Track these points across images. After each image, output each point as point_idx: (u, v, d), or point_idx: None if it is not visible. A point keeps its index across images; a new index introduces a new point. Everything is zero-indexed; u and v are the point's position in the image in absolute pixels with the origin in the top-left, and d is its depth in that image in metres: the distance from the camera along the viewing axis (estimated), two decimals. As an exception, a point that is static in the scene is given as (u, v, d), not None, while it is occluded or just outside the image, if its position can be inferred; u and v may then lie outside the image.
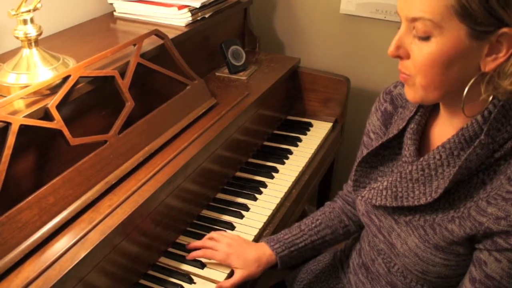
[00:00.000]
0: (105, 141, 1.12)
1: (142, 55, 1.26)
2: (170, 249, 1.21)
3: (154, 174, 1.14)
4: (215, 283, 1.11)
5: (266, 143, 1.66)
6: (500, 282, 0.81)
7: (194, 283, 1.11)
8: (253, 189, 1.42)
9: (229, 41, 1.67)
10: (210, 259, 1.16)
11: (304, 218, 1.19)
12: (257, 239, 1.26)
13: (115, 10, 1.61)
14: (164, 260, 1.18)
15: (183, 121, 1.31)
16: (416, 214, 0.89)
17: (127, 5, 1.58)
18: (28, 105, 1.03)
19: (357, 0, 1.83)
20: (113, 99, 1.18)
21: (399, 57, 0.80)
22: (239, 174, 1.50)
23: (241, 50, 1.68)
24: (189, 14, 1.51)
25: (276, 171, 1.51)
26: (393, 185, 0.90)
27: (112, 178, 1.10)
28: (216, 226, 1.28)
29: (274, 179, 1.48)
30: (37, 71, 1.10)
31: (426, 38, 0.75)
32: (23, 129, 0.97)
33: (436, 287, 0.94)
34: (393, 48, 0.80)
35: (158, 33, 1.33)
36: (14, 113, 0.99)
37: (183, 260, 1.17)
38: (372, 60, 1.92)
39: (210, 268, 1.15)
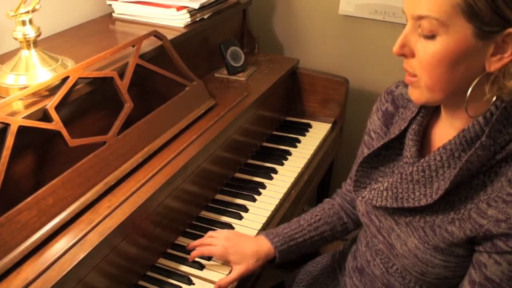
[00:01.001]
0: (104, 142, 1.12)
1: (141, 56, 1.26)
2: (169, 250, 1.21)
3: (153, 175, 1.14)
4: (214, 284, 1.11)
5: (265, 144, 1.66)
6: (500, 285, 0.81)
7: (193, 284, 1.11)
8: (252, 190, 1.41)
9: (228, 42, 1.67)
10: (208, 256, 1.16)
11: (303, 214, 1.19)
12: (256, 240, 1.26)
13: (114, 11, 1.61)
14: (163, 261, 1.18)
15: (182, 122, 1.31)
16: (416, 215, 0.89)
17: (126, 6, 1.58)
18: (27, 106, 1.03)
19: (356, 1, 1.83)
20: (112, 100, 1.18)
21: (404, 55, 0.80)
22: (238, 175, 1.50)
23: (240, 51, 1.68)
24: (188, 15, 1.51)
25: (275, 172, 1.51)
26: (394, 186, 0.90)
27: (111, 179, 1.10)
28: (215, 227, 1.28)
29: (273, 180, 1.48)
30: (36, 72, 1.10)
31: (431, 36, 0.75)
32: (22, 130, 0.97)
33: (435, 288, 0.94)
34: (398, 47, 0.79)
35: (157, 34, 1.33)
36: (13, 114, 0.99)
37: (182, 261, 1.17)
38: (371, 61, 1.92)
39: (209, 269, 1.15)
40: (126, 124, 1.17)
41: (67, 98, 1.08)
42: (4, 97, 1.03)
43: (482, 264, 0.82)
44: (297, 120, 1.81)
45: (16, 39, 1.10)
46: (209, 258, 1.17)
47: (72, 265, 0.89)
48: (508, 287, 0.81)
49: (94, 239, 0.95)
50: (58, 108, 1.04)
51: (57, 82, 1.08)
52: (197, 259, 1.16)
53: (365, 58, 1.93)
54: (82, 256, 0.91)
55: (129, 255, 1.07)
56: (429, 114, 0.93)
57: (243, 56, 1.68)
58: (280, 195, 1.41)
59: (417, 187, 0.87)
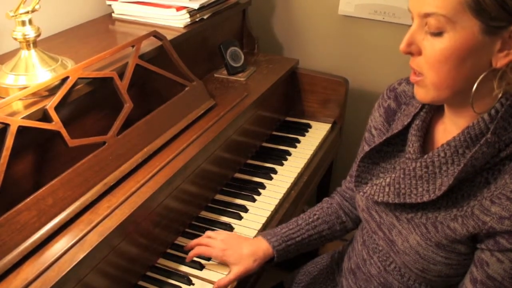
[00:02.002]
0: (104, 143, 1.12)
1: (141, 57, 1.26)
2: (169, 251, 1.21)
3: (153, 175, 1.14)
4: (214, 284, 1.11)
5: (264, 144, 1.66)
6: (502, 283, 0.81)
7: (193, 284, 1.11)
8: (252, 191, 1.41)
9: (228, 42, 1.67)
10: (206, 257, 1.16)
11: (302, 213, 1.19)
12: (256, 240, 1.26)
13: (113, 11, 1.61)
14: (163, 262, 1.18)
15: (182, 122, 1.31)
16: (418, 212, 0.89)
17: (126, 7, 1.58)
18: (27, 107, 1.03)
19: (356, 1, 1.83)
20: (112, 100, 1.18)
21: (411, 53, 0.80)
22: (237, 175, 1.50)
23: (239, 51, 1.68)
24: (188, 15, 1.51)
25: (275, 172, 1.51)
26: (396, 182, 0.90)
27: (111, 179, 1.10)
28: (215, 227, 1.28)
29: (273, 180, 1.48)
30: (36, 73, 1.10)
31: (438, 34, 0.75)
32: (21, 130, 0.97)
33: (435, 286, 0.94)
34: (405, 45, 0.79)
35: (156, 35, 1.33)
36: (12, 114, 0.99)
37: (181, 261, 1.17)
38: (370, 61, 1.92)
39: (209, 269, 1.15)
40: (126, 124, 1.17)
41: (67, 98, 1.08)
42: (3, 97, 1.03)
43: (484, 262, 0.82)
44: (297, 120, 1.81)
45: (15, 39, 1.10)
46: (208, 258, 1.17)
47: (72, 266, 0.89)
48: (510, 286, 0.81)
49: (93, 239, 0.95)
50: (57, 108, 1.04)
51: (56, 82, 1.08)
52: (196, 260, 1.16)
53: (364, 58, 1.93)
54: (81, 256, 0.91)
55: (129, 255, 1.07)
56: (433, 110, 0.93)
57: (242, 57, 1.68)
58: (280, 196, 1.41)
59: (420, 183, 0.87)
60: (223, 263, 1.15)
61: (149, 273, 1.14)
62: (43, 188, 0.98)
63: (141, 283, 1.12)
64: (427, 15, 0.75)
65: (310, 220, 1.16)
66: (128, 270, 1.09)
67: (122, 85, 1.18)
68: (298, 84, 1.82)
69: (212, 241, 1.15)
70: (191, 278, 1.12)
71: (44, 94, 1.07)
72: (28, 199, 0.95)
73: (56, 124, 1.03)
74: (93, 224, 0.98)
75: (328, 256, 1.29)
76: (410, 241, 0.89)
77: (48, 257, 0.91)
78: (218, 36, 1.69)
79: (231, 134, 1.41)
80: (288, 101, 1.83)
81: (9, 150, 0.94)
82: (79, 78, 1.10)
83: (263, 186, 1.44)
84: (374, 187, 0.94)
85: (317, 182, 1.69)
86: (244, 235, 1.25)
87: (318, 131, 1.74)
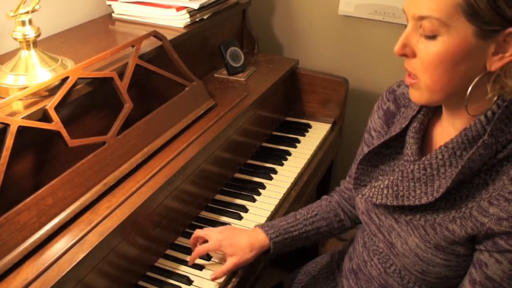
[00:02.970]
0: (104, 143, 1.12)
1: (141, 57, 1.26)
2: (169, 251, 1.21)
3: (153, 176, 1.14)
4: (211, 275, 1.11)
5: (264, 144, 1.66)
6: (501, 284, 0.81)
7: (193, 284, 1.11)
8: (252, 191, 1.42)
9: (228, 42, 1.67)
10: (208, 256, 1.16)
11: (300, 209, 1.20)
12: (255, 240, 1.25)
13: (113, 12, 1.61)
14: (163, 262, 1.18)
15: (182, 122, 1.32)
16: (417, 214, 0.89)
17: (126, 7, 1.58)
18: (27, 107, 1.03)
19: (356, 1, 1.83)
20: (112, 100, 1.18)
21: (405, 55, 0.80)
22: (237, 175, 1.50)
23: (239, 52, 1.68)
24: (188, 15, 1.51)
25: (275, 172, 1.51)
26: (394, 184, 0.90)
27: (111, 179, 1.10)
28: (215, 227, 1.27)
29: (273, 180, 1.48)
30: (36, 73, 1.10)
31: (433, 37, 0.75)
32: (21, 130, 0.97)
33: (434, 288, 0.94)
34: (399, 47, 0.80)
35: (156, 35, 1.33)
36: (12, 114, 0.99)
37: (181, 261, 1.17)
38: (370, 61, 1.92)
39: (209, 269, 1.15)
40: (126, 125, 1.17)
41: (67, 99, 1.08)
42: (3, 97, 1.03)
43: (483, 263, 0.82)
44: (297, 120, 1.81)
45: (15, 39, 1.10)
46: (208, 258, 1.17)
47: (72, 266, 0.89)
48: (509, 286, 0.81)
49: (93, 239, 0.95)
50: (57, 108, 1.04)
51: (56, 83, 1.08)
52: (196, 260, 1.16)
53: (364, 58, 1.93)
54: (81, 256, 0.91)
55: (129, 255, 1.07)
56: (430, 112, 0.93)
57: (242, 57, 1.68)
58: (280, 195, 1.41)
59: (418, 185, 0.87)
60: (223, 263, 1.15)
61: (149, 273, 1.14)
62: (43, 188, 0.98)
63: (141, 283, 1.12)
64: (421, 18, 0.75)
65: (309, 215, 1.16)
66: (128, 270, 1.09)
67: (122, 85, 1.18)
68: (298, 84, 1.82)
69: (209, 233, 1.15)
70: (191, 278, 1.12)
71: (44, 94, 1.07)
72: (28, 199, 0.95)
73: (56, 124, 1.03)
74: (93, 224, 0.98)
75: (328, 256, 1.30)
76: (409, 243, 0.89)
77: (48, 257, 0.91)
78: (218, 36, 1.69)
79: (231, 134, 1.41)
80: (288, 101, 1.83)
81: (9, 150, 0.94)
82: (79, 78, 1.10)
83: (263, 186, 1.44)
84: (373, 190, 0.94)
85: (317, 182, 1.69)
86: (244, 235, 1.25)
87: (318, 131, 1.74)
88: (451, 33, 0.74)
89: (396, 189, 0.90)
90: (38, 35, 1.12)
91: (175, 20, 1.52)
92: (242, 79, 1.64)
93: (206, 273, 1.14)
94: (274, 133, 1.73)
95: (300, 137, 1.70)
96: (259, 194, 1.41)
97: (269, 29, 2.08)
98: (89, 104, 1.17)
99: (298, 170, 1.53)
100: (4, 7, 1.12)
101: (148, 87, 1.35)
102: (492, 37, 0.73)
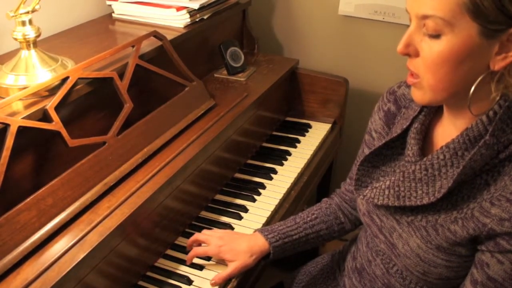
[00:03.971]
0: (104, 143, 1.12)
1: (141, 57, 1.26)
2: (169, 251, 1.21)
3: (153, 176, 1.14)
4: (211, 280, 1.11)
5: (264, 144, 1.66)
6: (502, 285, 0.81)
7: (193, 284, 1.11)
8: (252, 191, 1.41)
9: (228, 43, 1.67)
10: (205, 256, 1.16)
11: (300, 212, 1.19)
12: (256, 240, 1.25)
13: (113, 12, 1.61)
14: (163, 262, 1.18)
15: (182, 122, 1.31)
16: (418, 215, 0.89)
17: (126, 7, 1.58)
18: (27, 107, 1.03)
19: (356, 1, 1.83)
20: (112, 100, 1.18)
21: (408, 54, 0.80)
22: (237, 175, 1.50)
23: (239, 52, 1.68)
24: (188, 15, 1.51)
25: (275, 172, 1.51)
26: (396, 185, 0.90)
27: (111, 179, 1.10)
28: (215, 227, 1.27)
29: (273, 180, 1.48)
30: (36, 73, 1.10)
31: (436, 36, 0.75)
32: (21, 130, 0.97)
33: (435, 289, 0.94)
34: (402, 46, 0.79)
35: (156, 35, 1.33)
36: (12, 114, 0.99)
37: (182, 261, 1.17)
38: (370, 61, 1.92)
39: (209, 270, 1.15)
40: (126, 125, 1.17)
41: (67, 99, 1.08)
42: (4, 97, 1.03)
43: (485, 264, 0.82)
44: (297, 121, 1.81)
45: (16, 39, 1.10)
46: (208, 258, 1.17)
47: (72, 266, 0.89)
48: (510, 287, 0.81)
49: (93, 239, 0.95)
50: (58, 108, 1.04)
51: (57, 83, 1.08)
52: (196, 260, 1.16)
53: (364, 58, 1.93)
54: (81, 256, 0.91)
55: (129, 255, 1.07)
56: (431, 113, 0.93)
57: (242, 57, 1.68)
58: (280, 196, 1.41)
59: (420, 185, 0.87)
60: (223, 263, 1.15)
61: (149, 273, 1.14)
62: (43, 188, 0.98)
63: (141, 283, 1.12)
64: (425, 17, 0.75)
65: (308, 219, 1.16)
66: (128, 270, 1.09)
67: (122, 85, 1.18)
68: (298, 84, 1.82)
69: (209, 238, 1.15)
70: (191, 278, 1.12)
71: (44, 94, 1.07)
72: (28, 199, 0.95)
73: (56, 124, 1.03)
74: (93, 224, 0.98)
75: (328, 256, 1.29)
76: (410, 244, 0.89)
77: (48, 257, 0.91)
78: (218, 36, 1.69)
79: (231, 134, 1.41)
80: (288, 101, 1.83)
81: (9, 150, 0.94)
82: (79, 78, 1.10)
83: (263, 186, 1.44)
84: (374, 190, 0.94)
85: (317, 182, 1.69)
86: (244, 235, 1.25)
87: (318, 131, 1.74)
88: (455, 32, 0.74)
89: (398, 189, 0.89)
90: (38, 35, 1.12)
91: (175, 20, 1.52)
92: (242, 79, 1.64)
93: (206, 273, 1.14)
94: (274, 133, 1.73)
95: (300, 137, 1.70)
96: (259, 194, 1.41)
97: (269, 29, 2.08)
98: (89, 104, 1.17)
99: (298, 170, 1.53)
100: (4, 7, 1.12)
101: (148, 87, 1.35)
102: (496, 37, 0.73)
